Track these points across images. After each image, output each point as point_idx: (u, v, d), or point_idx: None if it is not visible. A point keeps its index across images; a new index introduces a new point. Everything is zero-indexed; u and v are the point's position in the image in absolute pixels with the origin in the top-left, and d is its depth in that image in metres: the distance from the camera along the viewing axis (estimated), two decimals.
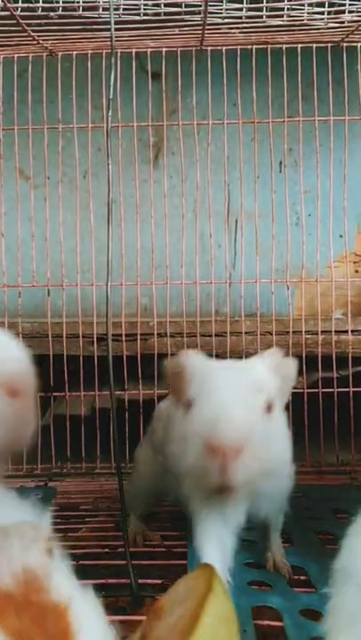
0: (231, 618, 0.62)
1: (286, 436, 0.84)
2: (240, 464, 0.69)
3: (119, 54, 1.48)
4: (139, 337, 1.52)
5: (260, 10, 1.37)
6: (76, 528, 1.16)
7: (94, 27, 1.39)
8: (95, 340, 1.52)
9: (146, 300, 1.59)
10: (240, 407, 0.72)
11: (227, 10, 1.37)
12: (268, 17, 1.38)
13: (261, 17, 1.38)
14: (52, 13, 1.36)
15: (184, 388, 0.79)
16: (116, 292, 1.47)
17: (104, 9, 1.36)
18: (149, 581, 0.90)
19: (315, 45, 1.50)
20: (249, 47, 1.50)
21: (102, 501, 1.31)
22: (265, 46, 1.50)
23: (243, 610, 0.76)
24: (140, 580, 0.89)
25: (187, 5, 1.36)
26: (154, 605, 0.64)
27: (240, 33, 1.44)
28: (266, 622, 0.77)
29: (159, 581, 0.89)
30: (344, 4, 1.36)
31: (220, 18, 1.39)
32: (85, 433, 1.51)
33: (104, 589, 0.89)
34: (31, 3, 1.34)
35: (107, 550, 1.03)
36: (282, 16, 1.39)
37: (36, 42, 1.43)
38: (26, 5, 1.35)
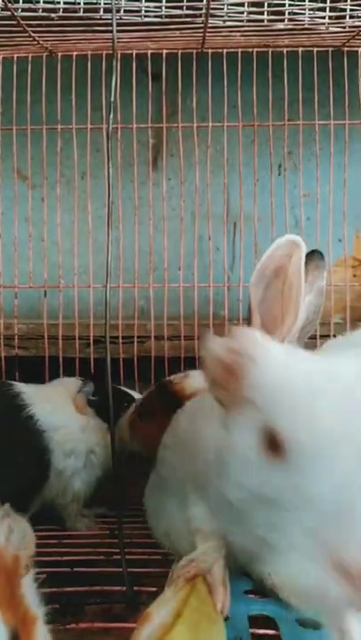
0: (214, 614, 0.64)
1: None
2: None
3: (119, 55, 1.48)
4: (135, 339, 1.51)
5: (262, 13, 1.37)
6: (71, 534, 1.15)
7: (95, 28, 1.38)
8: (92, 342, 1.51)
9: (143, 302, 1.58)
10: None
11: (228, 13, 1.36)
12: (270, 20, 1.38)
13: (263, 20, 1.38)
14: (52, 15, 1.35)
15: (242, 390, 0.55)
16: (114, 294, 1.46)
17: (105, 10, 1.36)
18: (144, 589, 0.89)
19: (316, 49, 1.49)
20: (250, 50, 1.50)
21: (98, 507, 1.29)
22: (266, 49, 1.49)
23: (239, 618, 0.75)
24: (135, 588, 0.88)
25: (188, 8, 1.36)
26: (143, 612, 0.66)
27: (241, 36, 1.44)
28: (262, 631, 0.76)
29: (154, 589, 0.87)
30: (346, 9, 1.37)
31: (221, 20, 1.38)
32: None
33: (99, 596, 0.89)
34: (32, 3, 1.34)
35: (102, 557, 1.02)
36: (283, 20, 1.39)
37: (36, 42, 1.42)
38: (27, 6, 1.34)
